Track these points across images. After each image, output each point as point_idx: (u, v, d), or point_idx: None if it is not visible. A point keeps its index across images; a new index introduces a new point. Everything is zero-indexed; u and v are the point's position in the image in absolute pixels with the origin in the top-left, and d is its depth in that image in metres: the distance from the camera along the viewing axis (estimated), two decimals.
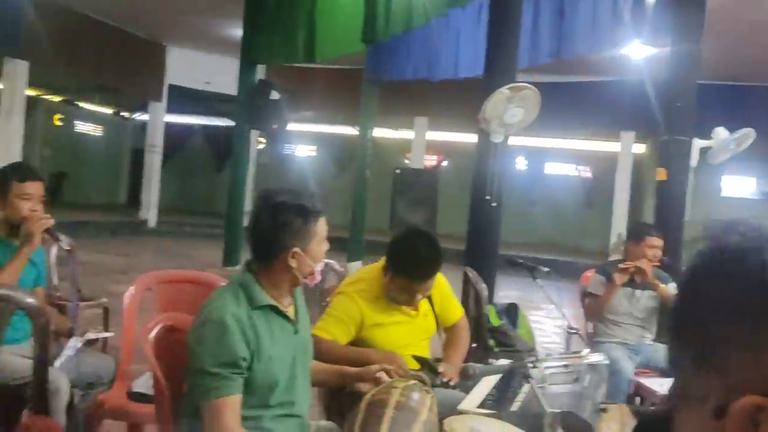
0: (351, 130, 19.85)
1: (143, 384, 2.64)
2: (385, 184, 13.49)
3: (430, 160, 18.07)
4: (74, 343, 2.60)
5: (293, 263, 1.82)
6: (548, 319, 6.65)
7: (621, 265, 3.57)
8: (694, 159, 5.70)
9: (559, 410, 1.96)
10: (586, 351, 2.53)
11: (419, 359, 2.44)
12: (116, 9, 11.91)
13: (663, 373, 3.46)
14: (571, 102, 11.91)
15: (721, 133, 5.56)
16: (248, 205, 10.76)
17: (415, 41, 9.20)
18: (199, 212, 20.26)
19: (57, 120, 18.71)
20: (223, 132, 21.63)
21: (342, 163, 20.95)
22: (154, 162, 15.24)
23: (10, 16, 10.47)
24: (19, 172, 2.61)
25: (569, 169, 18.52)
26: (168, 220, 15.80)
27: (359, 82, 11.09)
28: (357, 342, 2.46)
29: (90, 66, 12.81)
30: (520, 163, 18.19)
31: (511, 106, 4.69)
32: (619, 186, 13.97)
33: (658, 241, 3.67)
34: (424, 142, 15.30)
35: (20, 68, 11.28)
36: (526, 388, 2.13)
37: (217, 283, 2.91)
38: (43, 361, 2.13)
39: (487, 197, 4.96)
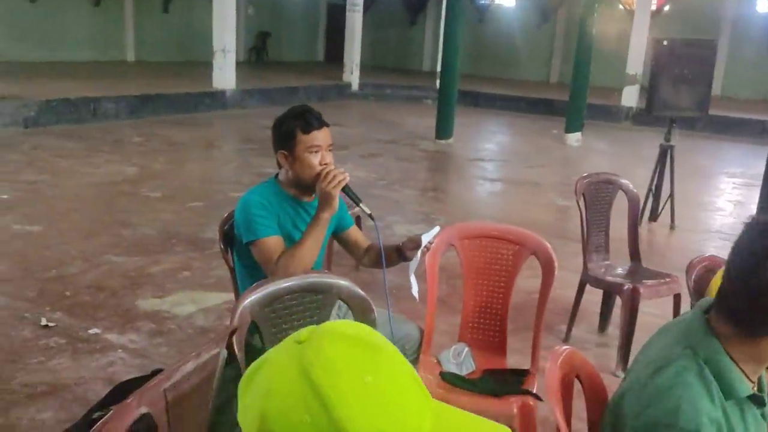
0: None
1: (449, 359, 2.28)
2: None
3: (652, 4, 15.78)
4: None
5: None
6: None
7: None
8: None
9: None
10: None
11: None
12: None
13: None
14: None
15: None
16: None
17: None
18: (392, 69, 19.80)
19: None
20: None
21: (546, 12, 19.13)
22: (355, 21, 14.89)
23: None
24: (304, 120, 2.17)
25: None
26: (368, 83, 15.56)
27: None
28: None
29: None
30: None
31: None
32: None
33: None
34: None
35: None
36: None
37: (530, 241, 2.38)
38: None
39: None
